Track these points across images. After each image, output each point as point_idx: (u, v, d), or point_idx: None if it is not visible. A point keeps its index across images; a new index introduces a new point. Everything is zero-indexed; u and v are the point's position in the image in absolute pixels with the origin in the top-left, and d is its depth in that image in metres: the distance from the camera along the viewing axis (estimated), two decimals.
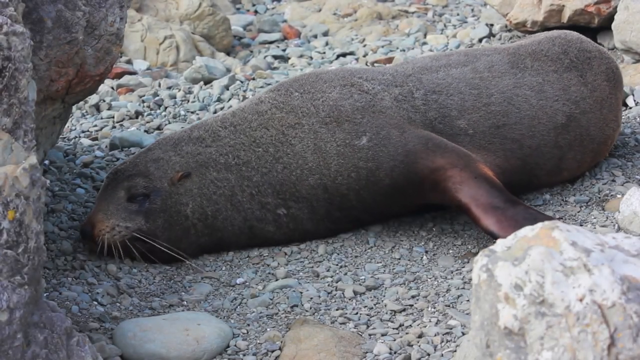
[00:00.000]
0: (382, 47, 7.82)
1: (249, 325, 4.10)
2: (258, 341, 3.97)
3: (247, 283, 4.48)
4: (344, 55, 7.79)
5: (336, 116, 4.80)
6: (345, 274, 4.52)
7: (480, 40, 7.58)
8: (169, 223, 4.68)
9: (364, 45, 7.96)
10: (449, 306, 4.16)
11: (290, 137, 4.80)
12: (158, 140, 4.98)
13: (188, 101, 6.88)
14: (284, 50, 8.12)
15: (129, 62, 7.73)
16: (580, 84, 5.24)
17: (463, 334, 3.91)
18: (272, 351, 3.89)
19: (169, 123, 6.50)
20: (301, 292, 4.34)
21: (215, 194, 4.76)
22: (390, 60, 7.37)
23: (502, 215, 4.53)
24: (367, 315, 4.15)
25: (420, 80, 5.01)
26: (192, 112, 6.67)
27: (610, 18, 6.71)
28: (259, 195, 4.77)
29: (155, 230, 4.65)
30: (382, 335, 3.96)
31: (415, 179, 4.71)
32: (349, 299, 4.30)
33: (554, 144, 5.07)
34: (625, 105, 6.23)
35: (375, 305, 4.23)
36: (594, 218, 4.85)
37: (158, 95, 6.95)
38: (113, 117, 6.63)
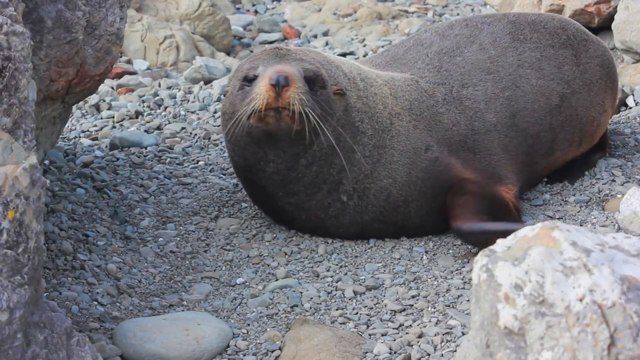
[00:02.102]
0: (382, 47, 7.81)
1: (249, 325, 4.10)
2: (258, 341, 3.96)
3: (247, 283, 4.48)
4: (344, 55, 7.77)
5: (417, 115, 4.76)
6: (345, 274, 4.52)
7: None
8: (316, 127, 4.39)
9: (364, 45, 7.95)
10: (449, 306, 4.16)
11: (395, 126, 4.71)
12: None
13: (188, 101, 6.88)
14: None
15: (129, 62, 7.73)
16: (573, 63, 5.25)
17: (463, 334, 3.91)
18: (272, 351, 3.88)
19: (169, 123, 6.49)
20: (301, 292, 4.34)
21: (339, 139, 4.51)
22: None
23: (474, 219, 4.55)
24: (367, 315, 4.15)
25: (449, 72, 4.98)
26: (192, 112, 6.67)
27: (610, 18, 6.71)
28: (344, 174, 4.61)
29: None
30: (382, 335, 3.96)
31: (446, 186, 4.71)
32: (349, 299, 4.30)
33: (549, 127, 5.10)
34: (625, 105, 6.23)
35: (375, 305, 4.23)
36: (594, 218, 4.84)
37: (158, 95, 6.95)
38: (113, 117, 6.63)
